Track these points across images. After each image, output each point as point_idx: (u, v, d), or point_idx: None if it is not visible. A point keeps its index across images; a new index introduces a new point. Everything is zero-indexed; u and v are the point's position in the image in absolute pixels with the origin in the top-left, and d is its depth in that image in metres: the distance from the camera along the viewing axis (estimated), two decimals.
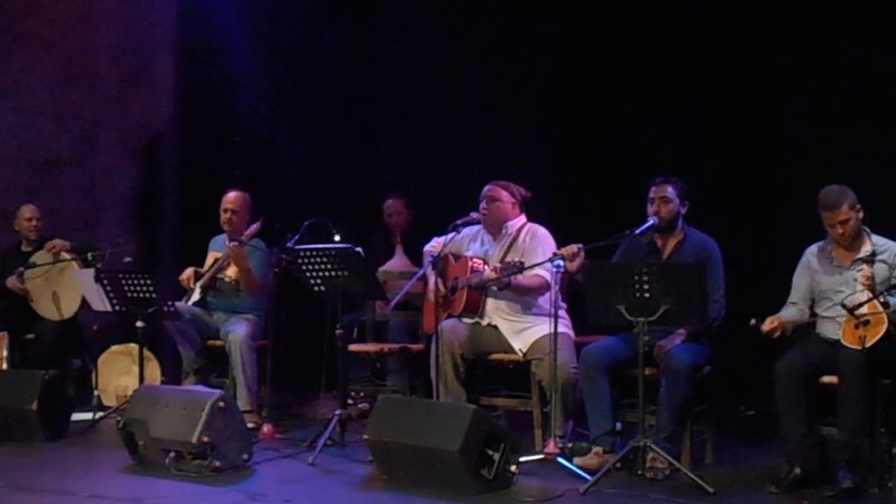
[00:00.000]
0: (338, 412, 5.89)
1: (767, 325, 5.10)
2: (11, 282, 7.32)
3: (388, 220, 7.58)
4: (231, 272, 6.71)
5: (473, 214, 5.98)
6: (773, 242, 6.71)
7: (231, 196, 6.81)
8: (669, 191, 5.57)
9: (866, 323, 4.74)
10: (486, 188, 6.01)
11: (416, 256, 6.82)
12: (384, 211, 7.59)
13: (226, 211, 6.78)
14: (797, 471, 5.00)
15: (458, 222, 5.96)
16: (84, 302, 7.08)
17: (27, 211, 7.51)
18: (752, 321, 5.10)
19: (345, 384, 6.13)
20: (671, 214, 5.57)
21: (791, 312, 5.28)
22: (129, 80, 8.62)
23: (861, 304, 4.77)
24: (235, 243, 6.55)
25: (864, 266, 4.94)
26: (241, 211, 6.79)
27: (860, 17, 6.45)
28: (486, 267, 5.86)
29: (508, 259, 5.65)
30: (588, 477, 5.06)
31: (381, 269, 7.05)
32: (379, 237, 7.60)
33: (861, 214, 5.11)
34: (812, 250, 5.32)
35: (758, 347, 5.31)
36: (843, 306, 4.82)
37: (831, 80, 6.63)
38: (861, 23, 6.45)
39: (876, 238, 5.15)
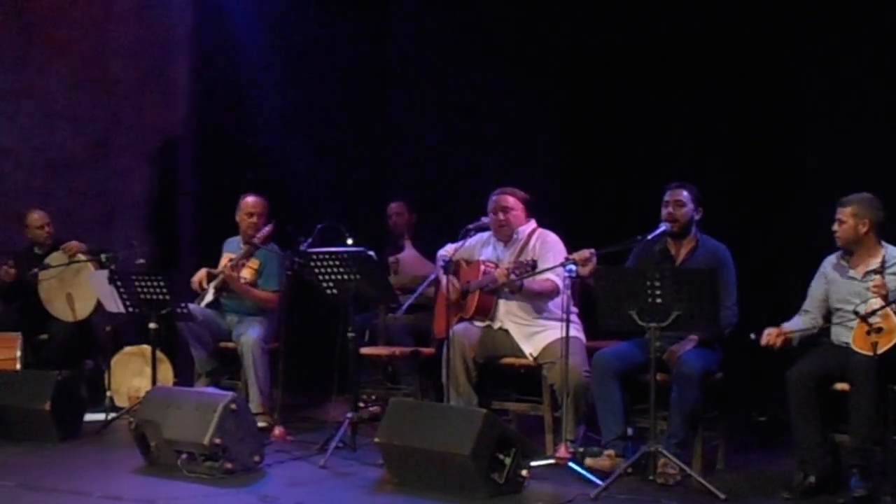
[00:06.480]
0: (349, 415, 5.89)
1: (765, 339, 5.12)
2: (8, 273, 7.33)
3: (390, 222, 7.61)
4: (246, 273, 6.74)
5: (484, 219, 5.99)
6: (786, 250, 6.67)
7: (252, 200, 6.82)
8: (684, 195, 5.58)
9: (879, 330, 4.73)
10: (494, 198, 6.00)
11: (424, 250, 6.94)
12: (388, 216, 7.61)
13: (251, 215, 6.79)
14: (811, 479, 4.98)
15: (471, 227, 5.98)
16: (99, 304, 7.10)
17: (38, 218, 7.51)
18: (752, 335, 5.12)
19: (356, 387, 6.14)
20: (685, 218, 5.57)
21: (800, 321, 5.28)
22: (145, 82, 8.65)
23: (874, 312, 4.77)
24: (229, 271, 6.61)
25: (877, 276, 4.94)
26: (264, 214, 6.82)
27: (877, 22, 6.42)
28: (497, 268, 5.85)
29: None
30: (599, 482, 5.06)
31: (391, 258, 7.17)
32: (388, 246, 7.62)
33: (866, 228, 5.10)
34: (830, 259, 5.32)
35: (770, 354, 5.30)
36: (856, 314, 4.82)
37: (847, 86, 6.58)
38: (879, 28, 6.42)
39: (891, 249, 5.14)
